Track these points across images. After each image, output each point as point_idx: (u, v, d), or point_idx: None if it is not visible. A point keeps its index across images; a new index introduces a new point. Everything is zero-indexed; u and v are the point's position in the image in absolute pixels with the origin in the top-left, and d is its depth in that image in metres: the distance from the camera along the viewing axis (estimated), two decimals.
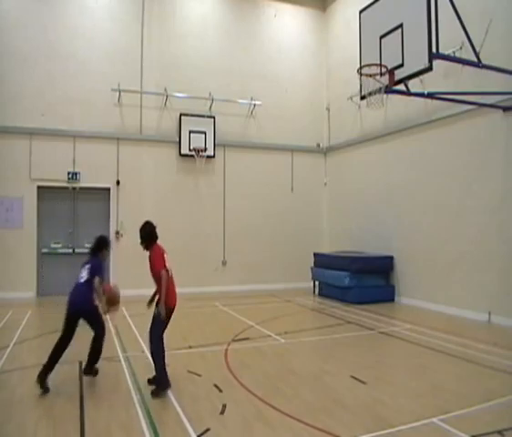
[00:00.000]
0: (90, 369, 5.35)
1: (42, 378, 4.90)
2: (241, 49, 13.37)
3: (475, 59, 7.12)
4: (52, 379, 5.25)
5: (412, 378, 5.51)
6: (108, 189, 11.94)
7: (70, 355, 6.23)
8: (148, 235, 5.41)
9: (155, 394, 4.75)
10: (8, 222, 11.09)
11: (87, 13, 11.90)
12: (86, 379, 5.27)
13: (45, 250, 11.47)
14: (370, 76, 7.23)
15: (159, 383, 4.86)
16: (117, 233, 11.91)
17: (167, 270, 5.00)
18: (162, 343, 5.05)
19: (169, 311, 5.03)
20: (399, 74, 6.97)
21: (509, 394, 4.77)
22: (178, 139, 12.41)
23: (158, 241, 5.45)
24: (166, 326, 5.09)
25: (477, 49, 7.10)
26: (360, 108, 12.12)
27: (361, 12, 7.93)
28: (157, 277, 5.05)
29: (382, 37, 7.25)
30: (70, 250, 11.69)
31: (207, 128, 12.55)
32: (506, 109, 8.13)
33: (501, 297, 8.17)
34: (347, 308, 9.97)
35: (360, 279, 10.55)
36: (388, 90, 7.23)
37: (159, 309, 4.93)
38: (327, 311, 9.69)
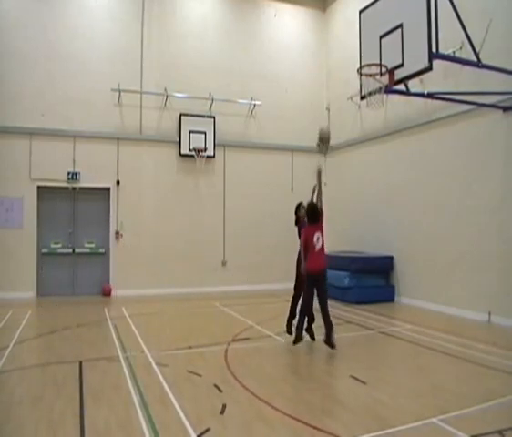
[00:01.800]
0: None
1: (310, 332, 6.84)
2: (241, 49, 13.37)
3: (475, 59, 7.11)
4: (52, 379, 5.27)
5: (412, 378, 5.51)
6: (108, 189, 11.94)
7: (70, 355, 6.26)
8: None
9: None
10: (8, 222, 11.09)
11: (86, 13, 11.91)
12: (86, 379, 5.27)
13: (45, 250, 11.47)
14: (370, 75, 7.22)
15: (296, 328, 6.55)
16: (117, 233, 11.91)
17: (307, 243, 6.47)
18: (308, 307, 6.63)
19: (310, 277, 6.44)
20: (399, 74, 6.96)
21: (509, 394, 4.77)
22: (178, 139, 12.41)
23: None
24: (312, 292, 6.56)
25: (477, 49, 7.09)
26: (360, 108, 12.12)
27: (361, 12, 7.92)
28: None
29: (382, 37, 7.25)
30: (70, 250, 11.70)
31: (207, 128, 12.56)
32: (506, 109, 8.13)
33: (501, 297, 8.17)
34: (347, 308, 9.97)
35: (360, 279, 10.55)
36: (388, 90, 7.22)
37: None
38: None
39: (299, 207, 7.43)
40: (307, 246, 6.49)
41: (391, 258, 10.95)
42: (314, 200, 6.73)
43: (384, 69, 7.05)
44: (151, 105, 12.36)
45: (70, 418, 4.18)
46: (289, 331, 7.12)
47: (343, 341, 7.13)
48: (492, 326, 8.16)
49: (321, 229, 6.58)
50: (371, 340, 7.39)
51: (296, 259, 7.16)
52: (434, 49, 6.41)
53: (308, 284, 6.59)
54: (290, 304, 7.32)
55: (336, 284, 10.85)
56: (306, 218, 6.74)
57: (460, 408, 4.40)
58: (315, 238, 6.46)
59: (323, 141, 7.15)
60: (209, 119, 12.59)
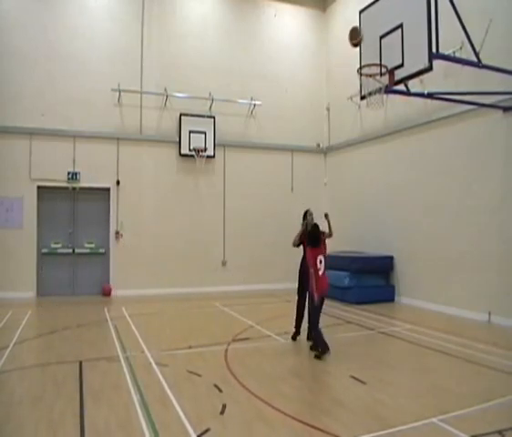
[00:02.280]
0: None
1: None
2: (241, 49, 13.37)
3: (475, 59, 7.11)
4: (52, 379, 5.28)
5: (412, 378, 5.51)
6: (108, 189, 11.94)
7: (70, 355, 6.26)
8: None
9: (318, 357, 6.13)
10: (8, 222, 11.09)
11: (86, 13, 11.91)
12: (86, 379, 5.27)
13: (45, 250, 11.47)
14: (370, 76, 7.22)
15: (318, 347, 6.28)
16: (117, 233, 11.91)
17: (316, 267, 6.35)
18: (318, 320, 6.42)
19: (318, 300, 6.35)
20: (399, 74, 6.96)
21: (509, 394, 4.77)
22: (178, 139, 12.41)
23: None
24: (320, 310, 6.45)
25: (477, 49, 7.09)
26: (360, 108, 12.11)
27: (361, 12, 7.92)
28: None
29: (382, 37, 7.24)
30: (70, 250, 11.70)
31: (207, 128, 12.56)
32: (506, 109, 8.13)
33: (501, 297, 8.17)
34: (347, 308, 9.97)
35: (360, 279, 10.55)
36: (388, 90, 7.22)
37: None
38: (327, 311, 9.63)
39: (306, 214, 7.36)
40: (315, 269, 6.37)
41: (391, 258, 10.95)
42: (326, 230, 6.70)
43: (383, 69, 7.05)
44: (151, 105, 12.36)
45: (70, 418, 4.18)
46: (294, 337, 7.13)
47: (343, 341, 7.14)
48: (492, 326, 8.16)
49: (322, 252, 6.44)
50: (371, 340, 7.39)
51: (299, 265, 7.14)
52: (434, 49, 6.40)
53: (315, 304, 6.45)
54: (296, 310, 7.23)
55: (336, 284, 10.83)
56: (308, 240, 6.60)
57: (460, 408, 4.40)
58: (318, 262, 6.35)
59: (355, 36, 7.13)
60: (209, 119, 12.59)
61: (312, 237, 6.52)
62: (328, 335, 7.56)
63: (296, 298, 7.30)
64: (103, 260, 11.92)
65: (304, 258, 6.94)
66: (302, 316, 7.14)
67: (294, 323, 7.20)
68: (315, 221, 6.90)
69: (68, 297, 11.37)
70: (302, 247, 7.05)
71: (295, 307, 7.27)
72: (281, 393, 4.87)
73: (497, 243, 8.32)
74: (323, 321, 8.68)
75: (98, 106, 11.81)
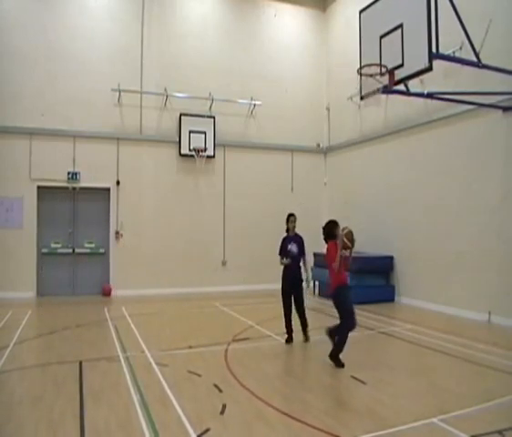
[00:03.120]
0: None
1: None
2: (241, 49, 13.37)
3: (475, 59, 7.11)
4: (52, 379, 5.27)
5: (412, 378, 5.51)
6: (108, 189, 11.94)
7: (70, 355, 6.26)
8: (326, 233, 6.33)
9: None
10: (8, 222, 11.09)
11: (86, 13, 11.90)
12: (86, 379, 5.27)
13: (45, 250, 11.47)
14: (370, 75, 7.23)
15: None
16: (117, 233, 11.91)
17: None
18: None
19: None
20: (399, 74, 6.96)
21: (509, 394, 4.77)
22: (178, 139, 12.41)
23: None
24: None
25: (477, 49, 7.09)
26: (360, 108, 12.12)
27: (361, 12, 7.93)
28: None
29: (382, 37, 7.25)
30: (70, 250, 11.69)
31: (207, 128, 12.55)
32: (506, 109, 8.13)
33: (501, 297, 8.17)
34: None
35: (360, 279, 10.53)
36: (388, 90, 7.23)
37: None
38: (327, 311, 9.67)
39: (288, 219, 7.33)
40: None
41: (391, 258, 10.95)
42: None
43: (383, 69, 7.05)
44: (151, 105, 12.36)
45: (70, 418, 4.18)
46: (288, 341, 6.98)
47: None
48: (492, 326, 8.16)
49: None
50: (371, 340, 7.39)
51: (283, 268, 7.11)
52: (434, 49, 6.41)
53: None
54: (284, 313, 7.08)
55: None
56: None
57: (460, 408, 4.40)
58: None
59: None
60: (209, 119, 12.58)
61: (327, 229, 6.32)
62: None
63: (282, 300, 7.10)
64: (103, 260, 11.92)
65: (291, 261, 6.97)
66: (290, 318, 7.06)
67: (285, 330, 7.04)
68: (333, 220, 6.50)
69: (68, 297, 11.37)
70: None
71: (282, 310, 7.09)
72: (281, 393, 4.87)
73: (497, 243, 8.32)
74: (324, 321, 8.72)
75: (98, 106, 11.81)
